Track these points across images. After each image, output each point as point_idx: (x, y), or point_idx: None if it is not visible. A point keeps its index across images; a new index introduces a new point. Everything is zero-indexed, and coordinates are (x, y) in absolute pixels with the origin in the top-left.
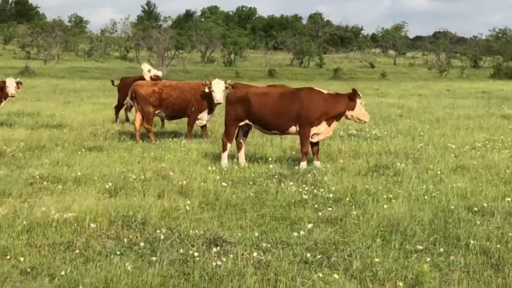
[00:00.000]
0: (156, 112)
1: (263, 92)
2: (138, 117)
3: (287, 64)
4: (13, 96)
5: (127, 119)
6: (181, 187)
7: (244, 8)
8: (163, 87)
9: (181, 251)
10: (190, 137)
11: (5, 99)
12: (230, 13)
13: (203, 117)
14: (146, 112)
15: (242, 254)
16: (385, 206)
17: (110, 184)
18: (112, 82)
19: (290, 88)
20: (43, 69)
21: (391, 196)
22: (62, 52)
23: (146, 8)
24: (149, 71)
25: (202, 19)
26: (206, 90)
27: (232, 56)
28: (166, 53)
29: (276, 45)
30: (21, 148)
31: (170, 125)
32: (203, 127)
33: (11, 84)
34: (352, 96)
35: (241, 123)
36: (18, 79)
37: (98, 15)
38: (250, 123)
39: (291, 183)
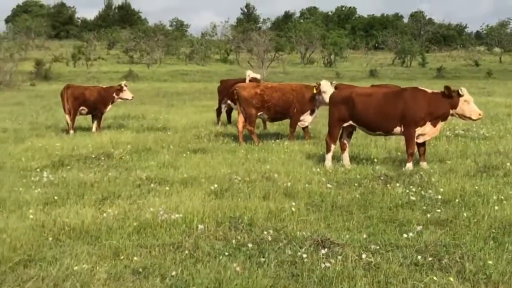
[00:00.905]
0: (259, 114)
1: (367, 93)
2: (241, 119)
3: (388, 64)
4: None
5: (229, 121)
6: (286, 189)
7: (343, 8)
8: (265, 89)
9: (289, 252)
10: (292, 139)
11: (112, 103)
12: (330, 13)
13: (306, 118)
14: (249, 114)
15: (351, 256)
16: (496, 207)
17: (215, 185)
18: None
19: (394, 88)
20: (146, 73)
21: (502, 197)
22: (164, 56)
23: (246, 10)
24: (248, 75)
25: (301, 20)
26: (315, 91)
27: (332, 56)
28: (265, 55)
29: (377, 45)
30: (128, 150)
31: (272, 127)
32: (305, 128)
33: (126, 88)
34: (448, 94)
35: (345, 124)
36: (124, 83)
37: (198, 18)
38: (354, 124)
39: (398, 184)
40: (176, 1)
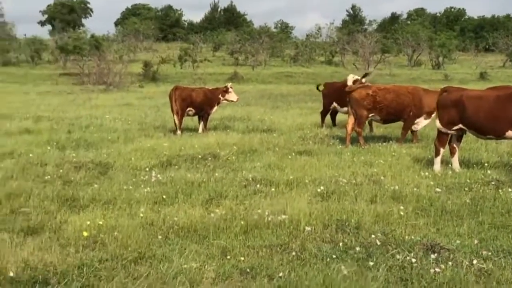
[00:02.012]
0: (370, 115)
1: (478, 95)
2: (351, 120)
3: (499, 66)
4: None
5: (333, 124)
6: (393, 192)
7: (452, 10)
8: (377, 91)
9: (398, 256)
10: (401, 142)
11: (218, 104)
12: (438, 14)
13: (420, 122)
14: (360, 115)
15: (462, 262)
16: None
17: (321, 187)
18: (317, 87)
19: (507, 90)
20: (251, 75)
21: None
22: (268, 58)
23: (351, 12)
24: (352, 78)
25: (409, 22)
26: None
27: (441, 59)
28: (371, 57)
29: (487, 47)
30: (234, 151)
31: (379, 130)
32: (414, 132)
33: (232, 90)
34: None
35: (455, 128)
36: (230, 84)
37: (304, 20)
38: (464, 127)
39: (510, 189)
40: (281, 3)
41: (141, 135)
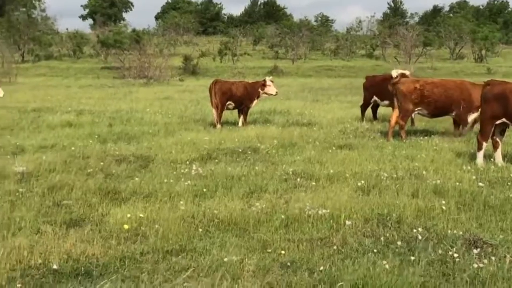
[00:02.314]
0: (417, 109)
1: None
2: (395, 114)
3: None
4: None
5: (374, 118)
6: (435, 187)
7: (495, 2)
8: (425, 84)
9: (440, 251)
10: (458, 135)
11: (258, 98)
12: (481, 7)
13: (471, 116)
14: (405, 109)
15: (505, 257)
16: None
17: (362, 182)
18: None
19: None
20: (291, 68)
21: None
22: (308, 52)
23: (392, 5)
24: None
25: (451, 15)
26: None
27: (483, 52)
28: (413, 50)
29: None
30: (274, 145)
31: (420, 123)
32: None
33: (271, 84)
34: None
35: (498, 122)
36: (270, 78)
37: (344, 13)
38: (507, 121)
39: None
40: None
41: (181, 129)
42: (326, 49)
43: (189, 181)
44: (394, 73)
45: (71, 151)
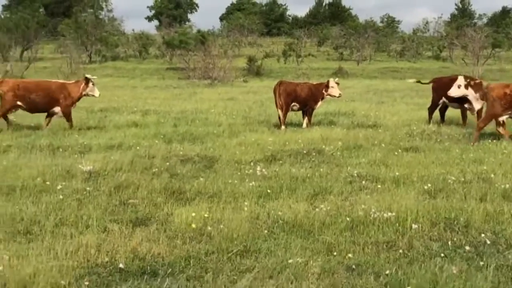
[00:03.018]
0: (505, 114)
1: None
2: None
3: None
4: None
5: (442, 120)
6: (504, 191)
7: None
8: None
9: (509, 256)
10: None
11: (322, 99)
12: None
13: None
14: (493, 113)
15: None
16: None
17: (429, 185)
18: (419, 81)
19: None
20: (356, 70)
21: None
22: (374, 53)
23: (460, 6)
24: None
25: None
26: None
27: None
28: (481, 51)
29: None
30: (339, 147)
31: (488, 126)
32: None
33: (335, 85)
34: None
35: None
36: (336, 79)
37: (411, 15)
38: None
39: None
40: None
41: (246, 130)
42: (391, 51)
43: (253, 182)
44: (461, 80)
45: (137, 150)
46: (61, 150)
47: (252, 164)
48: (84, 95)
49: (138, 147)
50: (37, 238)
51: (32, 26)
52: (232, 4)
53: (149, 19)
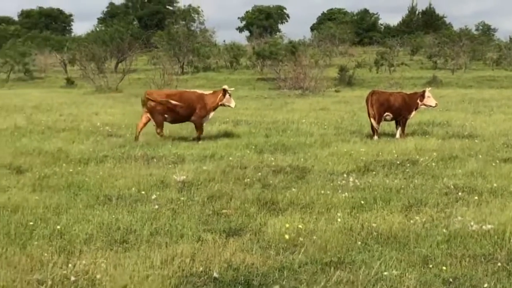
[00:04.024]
0: None
1: None
2: None
3: None
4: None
5: None
6: None
7: None
8: None
9: None
10: None
11: (416, 109)
12: None
13: None
14: None
15: None
16: None
17: None
18: None
19: None
20: (451, 79)
21: None
22: (469, 61)
23: None
24: None
25: None
26: None
27: None
28: None
29: None
30: (433, 157)
31: None
32: None
33: (431, 95)
34: None
35: None
36: (429, 89)
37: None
38: None
39: None
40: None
41: (338, 140)
42: (487, 59)
43: (346, 193)
44: None
45: (229, 161)
46: (155, 160)
47: (344, 174)
48: (220, 105)
49: (230, 157)
50: (133, 247)
51: (126, 39)
52: (323, 13)
53: (240, 30)
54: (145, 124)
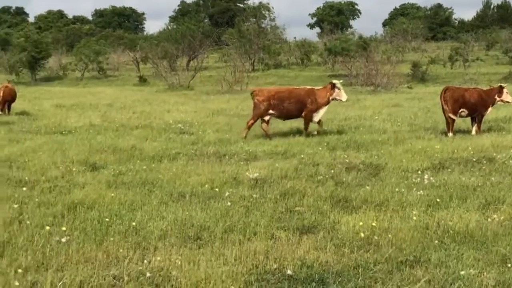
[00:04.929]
0: None
1: None
2: None
3: None
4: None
5: None
6: None
7: None
8: None
9: None
10: None
11: (493, 105)
12: None
13: None
14: None
15: None
16: None
17: None
18: None
19: None
20: None
21: None
22: None
23: None
24: None
25: None
26: None
27: None
28: None
29: None
30: (511, 154)
31: None
32: None
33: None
34: None
35: None
36: (506, 84)
37: None
38: None
39: None
40: None
41: (412, 137)
42: None
43: (421, 191)
44: None
45: (301, 158)
46: (227, 157)
47: (419, 172)
48: (332, 99)
49: (302, 155)
50: (206, 244)
51: (198, 37)
52: (395, 9)
53: (311, 26)
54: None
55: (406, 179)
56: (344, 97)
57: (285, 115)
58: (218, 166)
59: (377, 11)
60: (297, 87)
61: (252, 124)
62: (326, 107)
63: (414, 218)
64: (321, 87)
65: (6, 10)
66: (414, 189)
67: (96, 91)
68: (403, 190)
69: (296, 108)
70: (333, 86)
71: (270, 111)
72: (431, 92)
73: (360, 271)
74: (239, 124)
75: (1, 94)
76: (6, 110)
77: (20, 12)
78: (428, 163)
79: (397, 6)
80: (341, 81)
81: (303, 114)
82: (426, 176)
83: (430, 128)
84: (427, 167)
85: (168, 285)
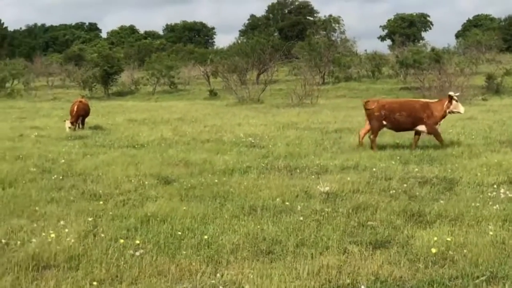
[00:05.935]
0: None
1: None
2: None
3: None
4: None
5: None
6: None
7: None
8: None
9: None
10: None
11: None
12: None
13: None
14: None
15: None
16: None
17: None
18: None
19: None
20: None
21: None
22: None
23: None
24: None
25: None
26: None
27: None
28: None
29: None
30: None
31: None
32: None
33: None
34: None
35: None
36: None
37: None
38: None
39: None
40: None
41: (487, 150)
42: None
43: (497, 205)
44: None
45: (373, 172)
46: (298, 171)
47: (495, 186)
48: (449, 112)
49: (374, 168)
50: (278, 258)
51: (267, 50)
52: (468, 20)
53: (382, 38)
54: (368, 131)
55: (482, 193)
56: (462, 109)
57: (397, 127)
58: (289, 179)
59: (449, 22)
60: (412, 99)
61: (375, 138)
62: (442, 120)
63: (490, 233)
64: (436, 100)
65: (79, 26)
66: (490, 203)
67: (168, 105)
68: (478, 204)
69: (408, 121)
70: (451, 99)
71: (384, 122)
72: (506, 105)
73: (435, 286)
74: (309, 138)
75: (75, 109)
76: (80, 125)
77: (93, 28)
78: (504, 177)
79: (470, 18)
80: (458, 94)
81: (426, 129)
82: (502, 190)
83: (506, 141)
84: (503, 181)
85: None
